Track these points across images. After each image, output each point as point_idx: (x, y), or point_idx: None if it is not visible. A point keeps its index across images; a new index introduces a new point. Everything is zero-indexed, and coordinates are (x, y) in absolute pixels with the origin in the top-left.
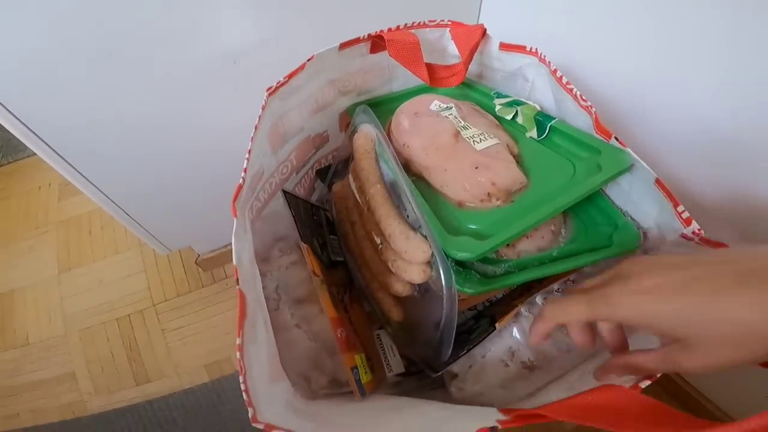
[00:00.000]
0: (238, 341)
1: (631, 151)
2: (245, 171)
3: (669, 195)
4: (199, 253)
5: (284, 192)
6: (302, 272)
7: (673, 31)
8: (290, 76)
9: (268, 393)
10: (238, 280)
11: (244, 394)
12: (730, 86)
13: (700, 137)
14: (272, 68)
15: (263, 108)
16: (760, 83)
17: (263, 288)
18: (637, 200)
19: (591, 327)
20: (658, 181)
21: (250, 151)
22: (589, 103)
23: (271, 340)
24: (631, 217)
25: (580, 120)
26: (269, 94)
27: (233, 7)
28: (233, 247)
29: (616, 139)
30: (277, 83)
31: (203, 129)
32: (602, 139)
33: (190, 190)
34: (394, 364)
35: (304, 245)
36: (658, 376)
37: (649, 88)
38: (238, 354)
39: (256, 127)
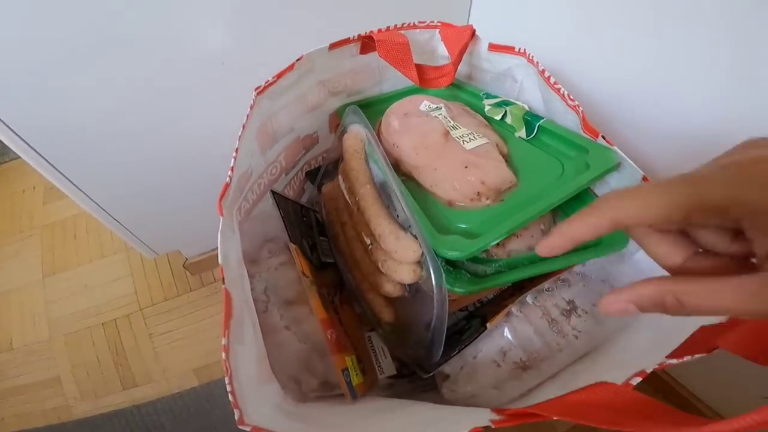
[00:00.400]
0: (223, 341)
1: (618, 150)
2: (232, 170)
3: None
4: (188, 257)
5: (273, 192)
6: (292, 273)
7: (661, 37)
8: (279, 75)
9: (257, 395)
10: (224, 279)
11: (230, 395)
12: (718, 92)
13: (687, 140)
14: (261, 70)
15: (251, 107)
16: (745, 89)
17: (252, 290)
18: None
19: (679, 235)
20: (645, 180)
21: (237, 150)
22: (576, 103)
23: (259, 342)
24: None
25: (568, 119)
26: (258, 94)
27: (221, 7)
28: (219, 246)
29: (603, 137)
30: (266, 82)
31: (191, 132)
32: (590, 138)
33: (178, 194)
34: (386, 366)
35: (293, 246)
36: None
37: (638, 92)
38: (223, 354)
39: (243, 126)
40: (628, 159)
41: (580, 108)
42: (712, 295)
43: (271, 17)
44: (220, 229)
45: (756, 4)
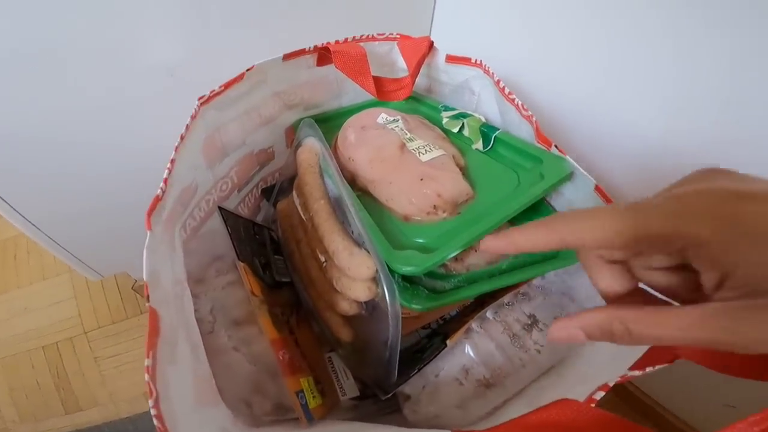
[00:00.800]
0: (147, 362)
1: (570, 159)
2: (165, 182)
3: (608, 201)
4: (137, 279)
5: (220, 209)
6: (240, 293)
7: (613, 53)
8: (227, 85)
9: (195, 418)
10: (149, 297)
11: (154, 419)
12: (665, 106)
13: (637, 150)
14: (214, 82)
15: (193, 117)
16: (689, 103)
17: (196, 310)
18: (580, 209)
19: (621, 264)
20: (597, 188)
21: (173, 161)
22: (530, 113)
23: (202, 363)
24: None
25: (522, 130)
26: (201, 104)
27: (171, 13)
28: (144, 261)
29: (556, 147)
30: (211, 92)
31: (137, 147)
32: (544, 148)
33: (123, 213)
34: (348, 387)
35: (240, 264)
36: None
37: (590, 105)
38: (146, 376)
39: (182, 137)
40: (580, 168)
41: (534, 118)
42: (659, 324)
43: (225, 28)
44: (146, 245)
45: (700, 29)
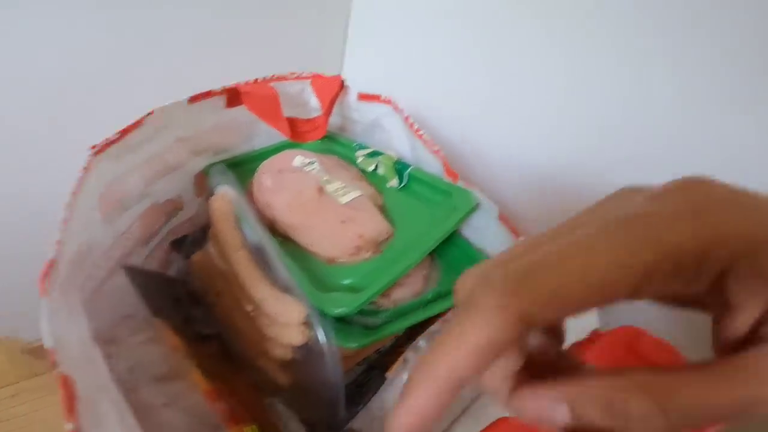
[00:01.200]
0: (69, 426)
1: (475, 191)
2: (58, 243)
3: (511, 228)
4: (29, 341)
5: (126, 269)
6: (161, 348)
7: (508, 87)
8: (124, 132)
9: None
10: (57, 363)
11: None
12: (548, 134)
13: (531, 176)
14: (106, 127)
15: (86, 170)
16: (566, 131)
17: (111, 370)
18: (489, 236)
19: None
20: (501, 216)
21: (66, 222)
22: (437, 148)
23: (129, 425)
24: (487, 255)
25: (432, 165)
26: (94, 153)
27: (55, 43)
28: (44, 329)
29: (463, 180)
30: (106, 140)
31: (18, 195)
32: (452, 182)
33: (5, 270)
34: (295, 431)
35: (157, 321)
36: None
37: (490, 138)
38: None
39: (74, 194)
40: (485, 199)
41: (442, 152)
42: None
43: (124, 68)
44: (43, 311)
45: (591, 66)
